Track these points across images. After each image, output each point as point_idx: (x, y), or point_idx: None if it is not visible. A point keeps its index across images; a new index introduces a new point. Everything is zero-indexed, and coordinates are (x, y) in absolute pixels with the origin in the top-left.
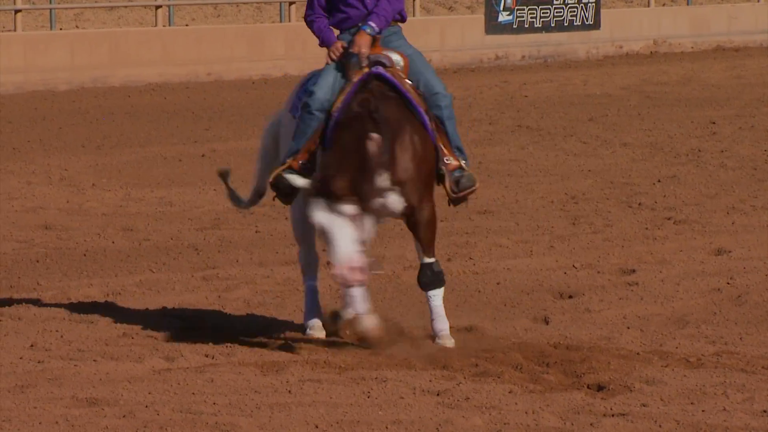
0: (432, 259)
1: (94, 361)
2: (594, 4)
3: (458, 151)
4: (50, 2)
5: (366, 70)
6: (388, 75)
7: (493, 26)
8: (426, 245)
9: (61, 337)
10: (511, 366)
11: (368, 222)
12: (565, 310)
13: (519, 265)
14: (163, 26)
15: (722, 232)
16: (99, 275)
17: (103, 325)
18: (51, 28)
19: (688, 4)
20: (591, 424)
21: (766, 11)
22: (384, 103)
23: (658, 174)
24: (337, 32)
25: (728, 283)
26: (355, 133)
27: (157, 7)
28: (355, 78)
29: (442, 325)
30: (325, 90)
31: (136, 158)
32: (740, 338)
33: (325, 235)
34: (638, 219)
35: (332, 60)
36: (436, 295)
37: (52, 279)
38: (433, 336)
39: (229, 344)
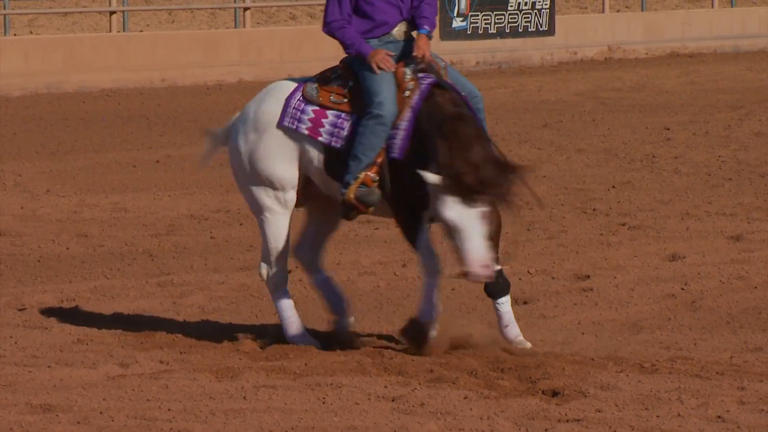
0: (499, 266)
1: (49, 367)
2: (548, 10)
3: None
4: (4, 8)
5: (414, 80)
6: (447, 84)
7: (447, 32)
8: (498, 250)
9: (15, 343)
10: (466, 372)
11: (494, 217)
12: (519, 315)
13: None
14: (118, 32)
15: (676, 238)
16: (53, 281)
17: (58, 331)
18: (5, 34)
19: (642, 11)
20: (546, 430)
21: (720, 17)
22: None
23: (612, 180)
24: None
25: (682, 289)
26: (471, 130)
27: (112, 12)
28: (415, 88)
29: (516, 330)
30: (393, 101)
31: (91, 164)
32: (695, 344)
33: (457, 233)
34: (593, 225)
35: (380, 70)
36: (506, 302)
37: (6, 285)
38: (509, 343)
39: (183, 350)
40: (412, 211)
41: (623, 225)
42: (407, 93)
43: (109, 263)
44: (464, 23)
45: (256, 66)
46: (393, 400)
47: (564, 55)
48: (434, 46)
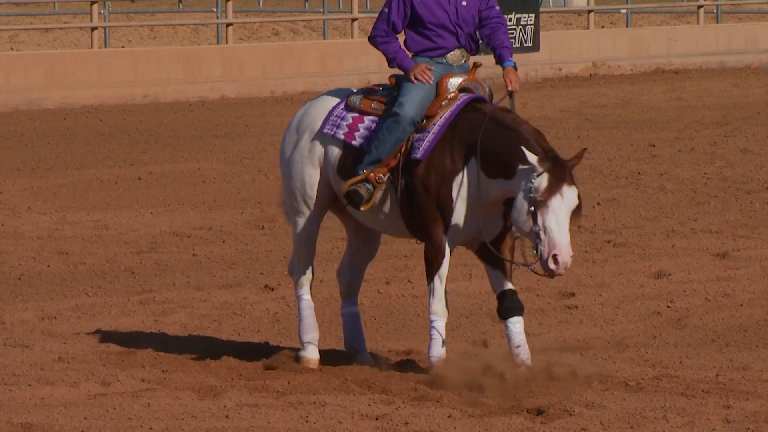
0: (513, 287)
1: (29, 385)
2: (533, 26)
3: None
4: None
5: (458, 94)
6: (487, 100)
7: None
8: (509, 270)
9: None
10: (451, 390)
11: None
12: (504, 333)
13: (458, 288)
14: (99, 48)
15: (662, 255)
16: (34, 299)
17: (39, 349)
18: None
19: (627, 27)
20: None
21: (705, 33)
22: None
23: (597, 197)
24: (410, 54)
25: (668, 307)
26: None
27: (93, 28)
28: (455, 99)
29: (526, 353)
30: (415, 105)
31: (72, 181)
32: (680, 362)
33: (547, 220)
34: (578, 242)
35: (417, 81)
36: (519, 323)
37: None
38: (517, 366)
39: (165, 369)
40: (433, 221)
41: (608, 242)
42: (444, 102)
43: (90, 281)
44: None
45: (239, 82)
46: (377, 419)
47: (548, 72)
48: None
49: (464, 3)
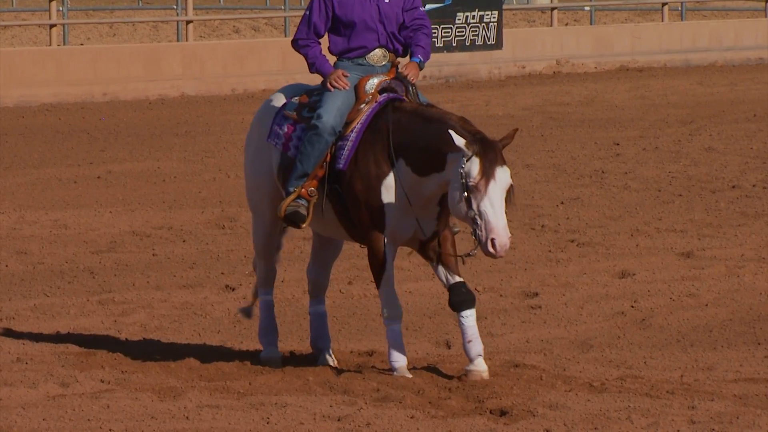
0: (461, 279)
1: None
2: (496, 23)
3: None
4: None
5: (377, 95)
6: (405, 99)
7: None
8: (454, 263)
9: None
10: (413, 391)
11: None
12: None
13: (421, 288)
14: (58, 45)
15: (626, 255)
16: None
17: None
18: None
19: (591, 24)
20: None
21: (670, 31)
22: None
23: (561, 196)
24: (332, 59)
25: (632, 307)
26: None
27: (52, 26)
28: (372, 101)
29: (479, 347)
30: (333, 114)
31: (30, 180)
32: (644, 362)
33: (482, 203)
34: (541, 241)
35: (333, 88)
36: (471, 316)
37: None
38: (469, 359)
39: (125, 369)
40: (369, 227)
41: (572, 242)
42: (363, 106)
43: (49, 281)
44: None
45: (199, 80)
46: (339, 420)
47: (512, 69)
48: None
49: (387, 0)
